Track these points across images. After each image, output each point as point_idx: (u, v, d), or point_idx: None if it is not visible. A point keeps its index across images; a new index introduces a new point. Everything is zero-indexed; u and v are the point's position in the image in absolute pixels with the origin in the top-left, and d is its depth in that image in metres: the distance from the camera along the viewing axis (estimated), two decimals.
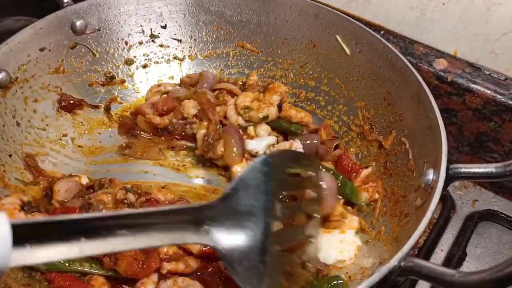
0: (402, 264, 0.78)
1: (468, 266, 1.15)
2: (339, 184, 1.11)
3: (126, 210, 1.01)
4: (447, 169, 0.91)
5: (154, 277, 0.95)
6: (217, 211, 0.68)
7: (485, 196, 1.27)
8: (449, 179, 0.91)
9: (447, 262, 1.13)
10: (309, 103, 1.37)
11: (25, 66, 1.18)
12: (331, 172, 1.13)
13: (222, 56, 1.43)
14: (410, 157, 1.09)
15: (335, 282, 0.94)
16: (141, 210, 0.78)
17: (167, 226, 0.61)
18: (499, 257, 1.16)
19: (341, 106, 1.32)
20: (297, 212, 0.84)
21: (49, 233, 0.49)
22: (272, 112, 1.25)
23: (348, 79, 1.30)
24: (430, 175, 0.95)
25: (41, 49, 1.21)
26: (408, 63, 1.11)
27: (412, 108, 1.11)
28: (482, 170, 0.89)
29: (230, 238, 0.68)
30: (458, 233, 1.20)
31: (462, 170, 0.91)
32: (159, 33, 1.39)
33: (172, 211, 0.65)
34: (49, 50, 1.23)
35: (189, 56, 1.43)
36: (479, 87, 1.22)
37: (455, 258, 1.14)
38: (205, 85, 1.35)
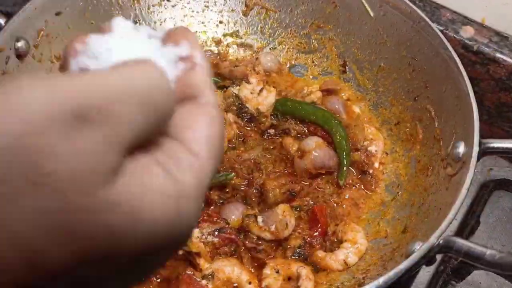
0: (440, 241, 0.81)
1: (481, 235, 1.19)
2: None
3: None
4: (479, 143, 0.93)
5: None
6: None
7: (500, 165, 1.30)
8: (481, 153, 0.93)
9: (460, 231, 1.17)
10: (327, 62, 1.36)
11: (43, 32, 1.14)
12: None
13: (237, 12, 1.39)
14: (436, 125, 1.10)
15: None
16: None
17: None
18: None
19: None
20: None
21: None
22: None
23: (370, 41, 1.28)
24: (461, 148, 0.97)
25: (57, 13, 1.16)
26: (437, 30, 1.10)
27: (439, 76, 1.11)
28: None
29: None
30: (472, 202, 1.23)
31: (495, 145, 0.93)
32: None
33: None
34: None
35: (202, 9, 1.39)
36: (505, 57, 1.22)
37: (468, 227, 1.18)
38: None
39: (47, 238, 0.30)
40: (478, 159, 0.93)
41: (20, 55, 1.09)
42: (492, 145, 0.93)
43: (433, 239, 0.81)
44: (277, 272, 1.00)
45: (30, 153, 0.30)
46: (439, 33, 1.09)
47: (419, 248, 0.82)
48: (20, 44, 1.08)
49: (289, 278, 1.01)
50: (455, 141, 1.00)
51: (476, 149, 0.91)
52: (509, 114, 1.32)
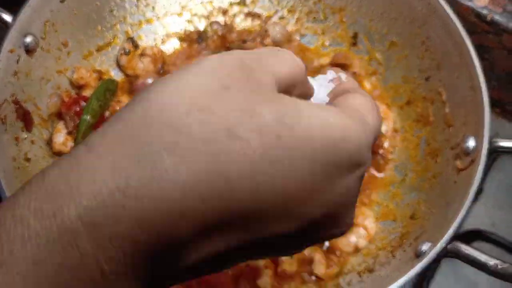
0: (448, 246, 0.86)
1: (484, 202, 1.24)
2: None
3: None
4: (490, 142, 0.95)
5: None
6: None
7: (507, 130, 1.32)
8: (490, 152, 0.96)
9: None
10: (337, 32, 1.34)
11: (49, 22, 1.12)
12: None
13: None
14: (447, 111, 1.11)
15: None
16: None
17: None
18: None
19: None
20: None
21: None
22: None
23: (383, 15, 1.25)
24: (470, 143, 0.99)
25: (62, 1, 1.13)
26: (454, 15, 1.07)
27: (452, 62, 1.10)
28: None
29: None
30: None
31: (506, 145, 0.95)
32: None
33: None
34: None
35: None
36: None
37: None
38: None
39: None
40: (487, 158, 0.96)
41: (29, 51, 1.07)
42: (502, 144, 0.96)
43: (441, 244, 0.86)
44: (291, 257, 1.07)
45: None
46: (455, 18, 1.07)
47: (428, 251, 0.87)
48: (28, 39, 1.06)
49: (303, 261, 1.09)
50: (466, 133, 1.02)
51: (485, 151, 0.93)
52: None
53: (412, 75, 1.22)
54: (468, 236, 1.20)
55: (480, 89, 1.00)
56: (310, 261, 1.08)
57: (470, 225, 1.22)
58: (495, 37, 1.26)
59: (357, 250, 1.09)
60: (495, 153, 0.97)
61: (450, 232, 0.87)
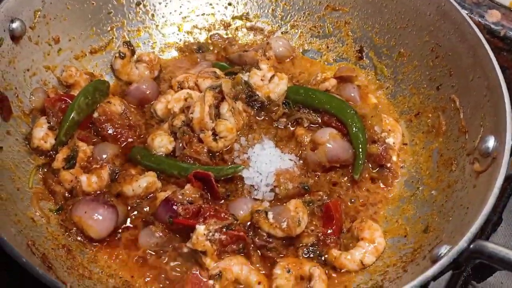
0: (471, 246, 0.74)
1: (504, 232, 1.13)
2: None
3: None
4: None
5: None
6: None
7: None
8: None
9: (481, 229, 1.09)
10: (342, 48, 1.28)
11: (40, 12, 1.07)
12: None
13: None
14: (461, 116, 1.03)
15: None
16: None
17: None
18: None
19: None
20: None
21: None
22: None
23: (389, 26, 1.20)
24: (490, 143, 0.90)
25: None
26: (465, 14, 1.02)
27: (465, 64, 1.03)
28: None
29: None
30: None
31: None
32: None
33: None
34: None
35: None
36: None
37: (489, 224, 1.10)
38: None
39: None
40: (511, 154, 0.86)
41: (15, 37, 1.01)
42: None
43: (462, 243, 0.74)
44: (289, 271, 0.94)
45: None
46: (467, 17, 1.01)
47: (447, 253, 0.75)
48: (15, 25, 1.01)
49: (301, 278, 0.95)
50: (484, 135, 0.93)
51: (509, 145, 0.83)
52: None
53: (422, 86, 1.14)
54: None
55: (498, 86, 0.92)
56: (309, 278, 0.94)
57: None
58: (510, 54, 1.20)
59: (363, 267, 0.96)
60: None
61: (473, 229, 0.76)
